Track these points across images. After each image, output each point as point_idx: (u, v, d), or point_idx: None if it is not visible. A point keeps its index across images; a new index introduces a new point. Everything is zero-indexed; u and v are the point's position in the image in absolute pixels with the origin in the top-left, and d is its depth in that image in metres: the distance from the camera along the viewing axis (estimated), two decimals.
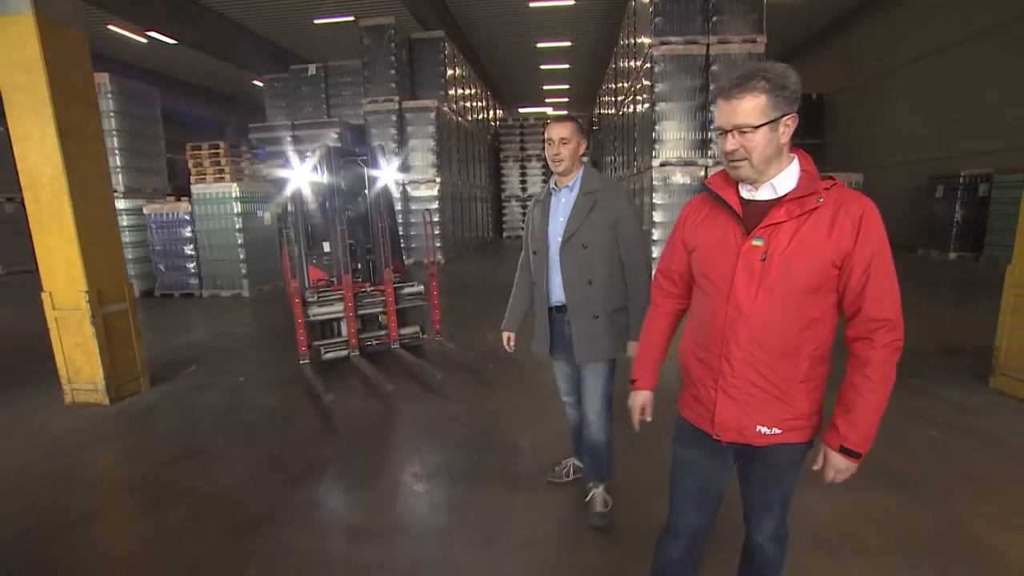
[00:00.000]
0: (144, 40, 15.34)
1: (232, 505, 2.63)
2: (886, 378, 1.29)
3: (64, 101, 3.51)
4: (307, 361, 4.43)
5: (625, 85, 11.65)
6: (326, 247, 4.96)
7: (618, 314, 2.23)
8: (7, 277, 11.15)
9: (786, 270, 1.29)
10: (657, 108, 8.02)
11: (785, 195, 1.31)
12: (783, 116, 1.26)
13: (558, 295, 2.26)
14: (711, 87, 7.86)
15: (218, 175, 8.30)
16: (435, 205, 11.51)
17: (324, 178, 4.66)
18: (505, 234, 19.43)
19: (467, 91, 14.55)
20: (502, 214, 19.45)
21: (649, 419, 1.65)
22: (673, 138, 8.09)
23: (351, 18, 13.51)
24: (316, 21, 14.28)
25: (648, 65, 8.24)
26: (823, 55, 15.85)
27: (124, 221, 8.37)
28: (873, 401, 1.29)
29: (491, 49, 17.09)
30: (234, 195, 8.30)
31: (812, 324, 1.32)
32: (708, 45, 7.82)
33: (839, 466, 1.34)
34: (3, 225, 11.45)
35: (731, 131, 1.28)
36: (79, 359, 3.86)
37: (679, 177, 8.15)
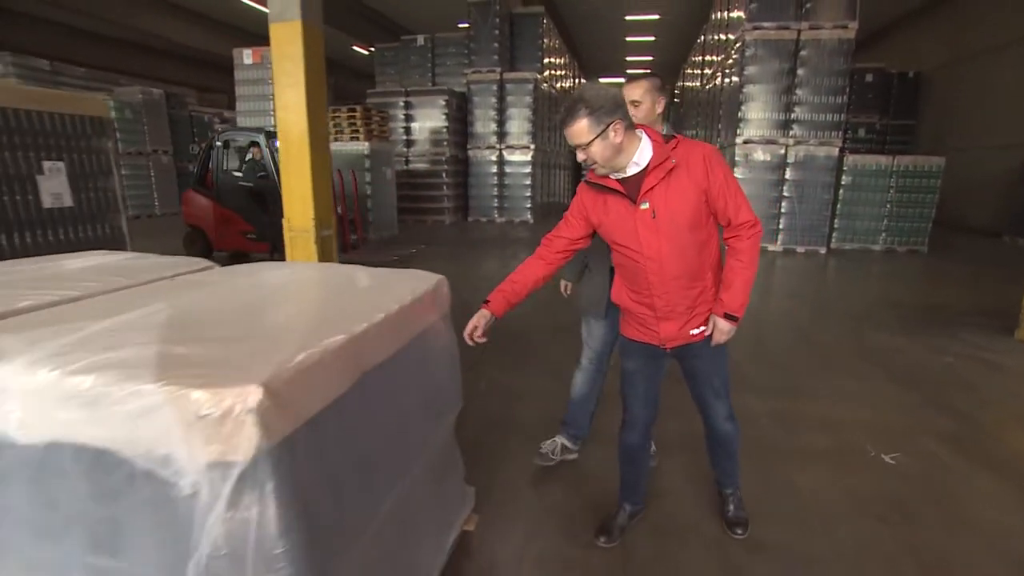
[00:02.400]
0: (267, 10, 17.07)
1: None
2: (753, 259, 1.76)
3: (310, 80, 4.91)
4: None
5: (714, 59, 12.20)
6: None
7: None
8: (163, 218, 13.37)
9: (672, 218, 1.70)
10: (745, 89, 8.74)
11: (647, 166, 1.70)
12: (608, 126, 1.60)
13: None
14: (799, 71, 8.49)
15: (354, 134, 9.79)
16: (527, 170, 12.67)
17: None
18: None
19: (558, 61, 15.40)
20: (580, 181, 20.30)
21: (483, 340, 1.87)
22: (757, 117, 8.81)
23: None
24: None
25: (739, 46, 8.92)
26: (921, 32, 15.42)
27: None
28: (745, 277, 1.76)
29: (581, 21, 17.73)
30: (365, 152, 9.79)
31: (702, 246, 1.77)
32: (799, 31, 8.41)
33: (723, 328, 1.78)
34: (161, 174, 13.67)
35: (577, 148, 1.66)
36: None
37: (760, 154, 8.91)
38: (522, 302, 1.96)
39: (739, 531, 2.14)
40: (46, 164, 3.73)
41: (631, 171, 1.73)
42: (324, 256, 5.40)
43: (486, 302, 1.91)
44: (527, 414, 3.19)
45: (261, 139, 7.44)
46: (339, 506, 1.12)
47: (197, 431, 0.89)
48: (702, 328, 1.85)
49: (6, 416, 0.98)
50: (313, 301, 1.59)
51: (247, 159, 7.72)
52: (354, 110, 9.79)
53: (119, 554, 1.00)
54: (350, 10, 16.56)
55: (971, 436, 3.01)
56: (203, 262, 2.01)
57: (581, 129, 1.62)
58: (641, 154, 1.71)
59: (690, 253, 1.76)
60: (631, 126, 1.68)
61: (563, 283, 2.62)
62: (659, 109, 2.13)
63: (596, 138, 1.62)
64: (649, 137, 1.73)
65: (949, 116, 14.31)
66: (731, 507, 2.20)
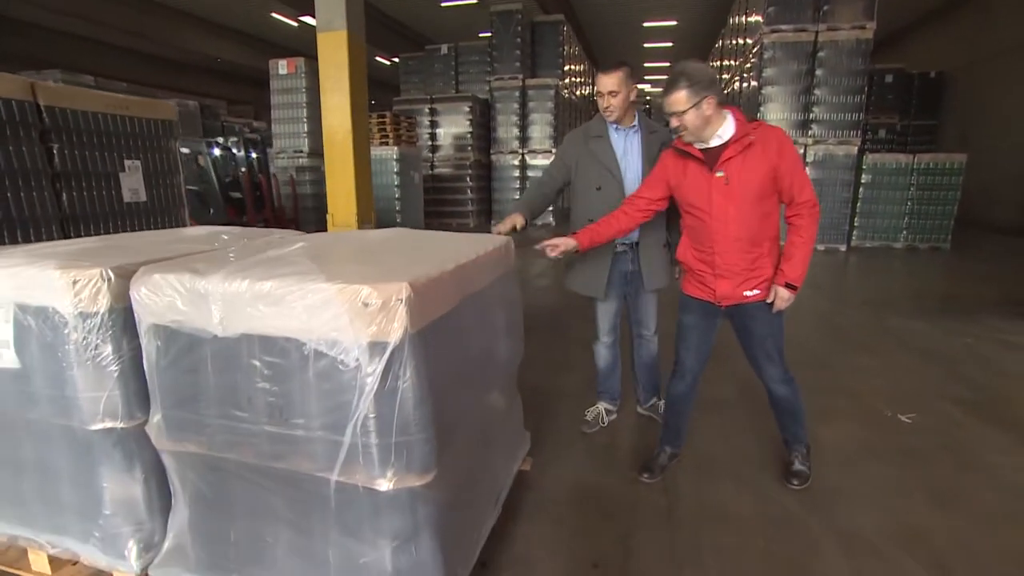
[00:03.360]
0: (295, 24, 17.73)
1: None
2: (812, 236, 1.98)
3: (354, 86, 5.29)
4: None
5: (732, 63, 12.42)
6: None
7: (669, 244, 2.53)
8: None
9: (743, 187, 1.93)
10: (764, 91, 8.95)
11: (729, 140, 1.93)
12: (702, 99, 1.86)
13: (634, 233, 2.42)
14: (817, 72, 8.67)
15: (383, 140, 10.21)
16: None
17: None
18: None
19: (577, 68, 15.76)
20: None
21: (559, 256, 2.23)
22: (776, 118, 8.98)
23: (475, 1, 15.07)
24: (443, 4, 15.99)
25: (757, 49, 9.13)
26: (944, 31, 15.42)
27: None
28: (804, 251, 1.98)
29: (600, 28, 18.09)
30: (395, 157, 10.20)
31: (766, 217, 1.98)
32: (817, 32, 8.59)
33: (783, 296, 2.00)
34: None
35: (672, 115, 1.93)
36: None
37: None
38: (604, 239, 2.27)
39: (795, 482, 2.27)
40: (127, 162, 4.13)
41: (713, 143, 1.96)
42: None
43: (574, 233, 2.23)
44: (568, 381, 3.47)
45: (204, 148, 8.75)
46: (450, 396, 1.42)
47: (362, 318, 1.19)
48: (756, 291, 2.04)
49: (209, 315, 1.30)
50: (418, 247, 1.88)
51: (195, 166, 8.70)
52: (384, 116, 10.22)
53: (291, 422, 1.30)
54: (375, 21, 17.10)
55: (985, 400, 3.20)
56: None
57: (680, 98, 1.87)
58: (724, 129, 1.94)
59: (753, 220, 1.97)
60: (721, 103, 1.92)
61: (509, 217, 2.40)
62: (632, 97, 2.36)
63: (691, 108, 1.87)
64: (734, 116, 1.96)
65: (971, 116, 14.27)
66: (795, 461, 2.32)
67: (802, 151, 8.96)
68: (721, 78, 13.56)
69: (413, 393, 1.23)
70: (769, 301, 2.04)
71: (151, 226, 4.38)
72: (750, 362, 2.24)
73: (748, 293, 2.06)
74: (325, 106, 5.34)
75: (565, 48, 13.57)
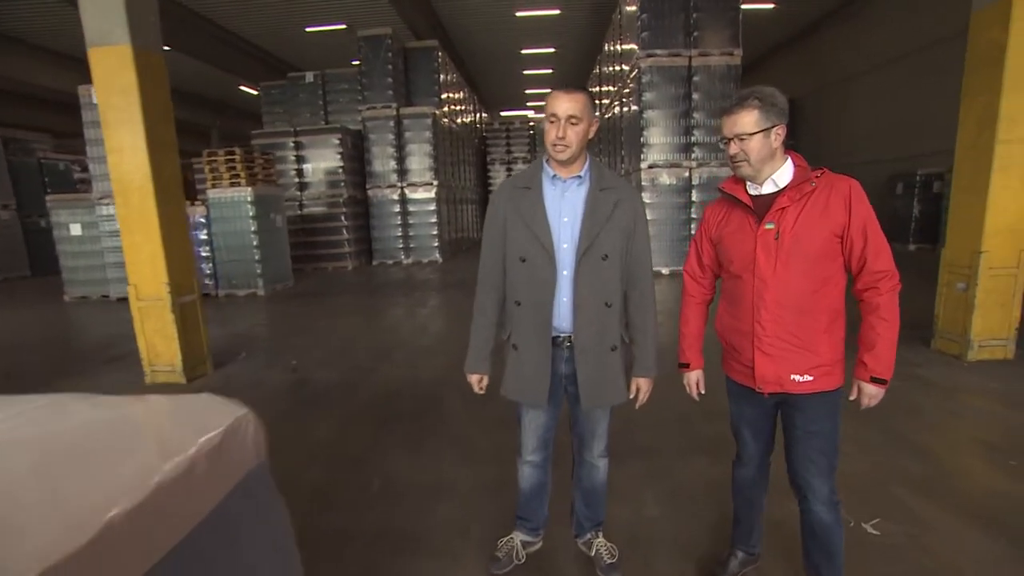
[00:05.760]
0: None
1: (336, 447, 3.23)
2: (895, 316, 1.61)
3: (152, 117, 4.05)
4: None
5: (611, 89, 12.40)
6: None
7: (624, 345, 1.88)
8: (3, 283, 11.38)
9: (795, 243, 1.59)
10: (645, 115, 8.77)
11: (785, 186, 1.62)
12: (773, 127, 1.58)
13: (564, 321, 1.80)
14: (694, 95, 8.64)
15: (234, 179, 8.75)
16: (432, 207, 12.10)
17: None
18: None
19: (457, 96, 15.15)
20: None
21: (704, 391, 1.92)
22: (659, 142, 8.85)
23: (343, 26, 14.01)
24: (308, 29, 14.73)
25: (635, 73, 8.98)
26: (794, 62, 16.86)
27: None
28: (889, 336, 1.61)
29: (478, 55, 17.71)
30: (249, 199, 8.77)
31: (823, 284, 1.61)
32: (690, 57, 8.59)
33: (871, 392, 1.65)
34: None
35: (733, 139, 1.61)
36: (159, 343, 4.39)
37: (666, 178, 8.92)
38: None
39: None
40: None
41: (766, 188, 1.66)
42: (187, 328, 4.45)
43: (685, 365, 1.92)
44: (449, 516, 2.50)
45: None
46: None
47: None
48: (808, 377, 1.64)
49: None
50: (64, 467, 0.86)
51: None
52: (233, 152, 8.78)
53: None
54: (233, 47, 15.43)
55: (938, 477, 2.71)
56: None
57: (749, 120, 1.58)
58: (782, 175, 1.65)
59: (804, 286, 1.62)
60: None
61: (473, 377, 1.99)
62: (592, 133, 1.77)
63: (759, 133, 1.58)
64: (793, 161, 1.66)
65: (824, 137, 15.61)
66: None
67: (687, 174, 8.85)
68: (601, 103, 13.57)
69: None
70: (852, 399, 1.69)
71: None
72: (789, 470, 1.78)
73: (797, 378, 1.65)
74: (109, 146, 4.04)
75: (441, 75, 12.86)
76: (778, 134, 1.59)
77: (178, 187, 4.43)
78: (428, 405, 3.86)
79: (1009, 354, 4.44)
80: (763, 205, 1.65)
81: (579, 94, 1.71)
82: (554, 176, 1.79)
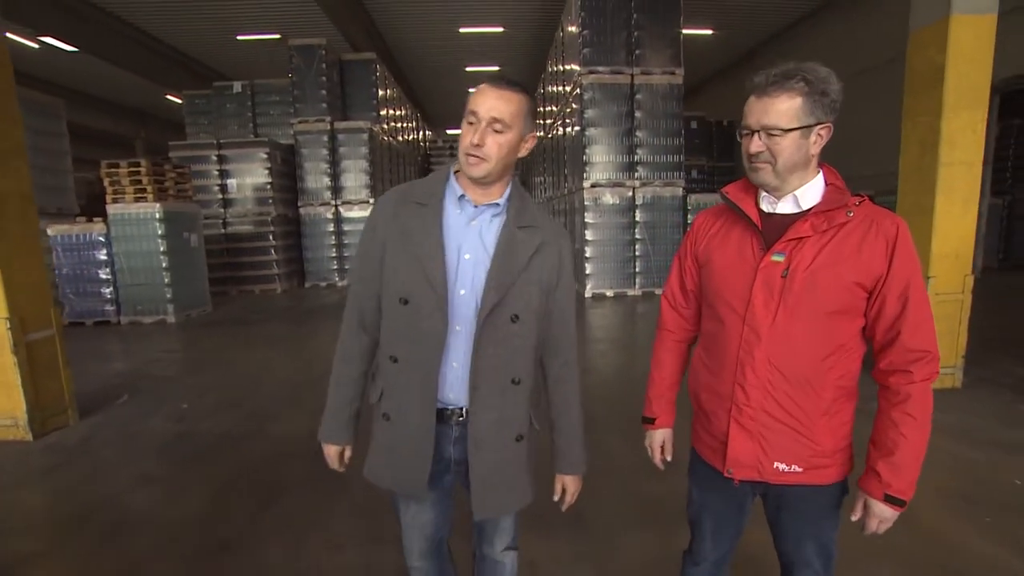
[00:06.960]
0: (36, 46, 14.18)
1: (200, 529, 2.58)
2: (928, 415, 1.16)
3: None
4: None
5: (554, 109, 12.22)
6: None
7: (532, 431, 1.41)
8: None
9: (810, 288, 1.16)
10: (587, 133, 8.53)
11: (810, 209, 1.19)
12: (817, 124, 1.15)
13: (455, 391, 1.31)
14: (636, 114, 8.47)
15: (139, 194, 7.86)
16: None
17: None
18: None
19: (398, 112, 14.64)
20: None
21: (670, 458, 1.51)
22: (602, 161, 8.62)
23: (277, 36, 13.28)
24: (239, 37, 13.90)
25: (577, 92, 8.75)
26: (733, 87, 17.35)
27: None
28: (917, 442, 1.16)
29: (420, 72, 17.31)
30: (158, 216, 7.90)
31: (838, 351, 1.19)
32: (632, 75, 8.44)
33: (883, 515, 1.20)
34: None
35: (759, 131, 1.16)
36: None
37: (608, 198, 8.68)
38: None
39: None
40: None
41: (784, 207, 1.22)
42: (38, 371, 3.68)
43: (650, 421, 1.49)
44: None
45: None
46: None
47: None
48: (796, 468, 1.22)
49: None
50: None
51: None
52: (136, 164, 7.90)
53: None
54: (157, 54, 14.38)
55: (924, 560, 2.34)
56: None
57: (788, 109, 1.12)
58: (808, 192, 1.21)
59: (813, 348, 1.18)
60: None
61: (331, 449, 1.53)
62: (524, 150, 1.30)
63: (798, 129, 1.13)
64: (825, 178, 1.22)
65: None
66: None
67: (630, 194, 8.64)
68: (544, 123, 13.37)
69: None
70: (855, 519, 1.24)
71: None
72: (780, 559, 1.39)
73: (782, 467, 1.23)
74: None
75: (380, 89, 12.32)
76: (820, 135, 1.16)
77: (26, 202, 3.69)
78: (327, 470, 3.24)
79: (957, 383, 4.28)
80: (775, 228, 1.21)
81: (513, 93, 1.24)
82: (462, 196, 1.30)
